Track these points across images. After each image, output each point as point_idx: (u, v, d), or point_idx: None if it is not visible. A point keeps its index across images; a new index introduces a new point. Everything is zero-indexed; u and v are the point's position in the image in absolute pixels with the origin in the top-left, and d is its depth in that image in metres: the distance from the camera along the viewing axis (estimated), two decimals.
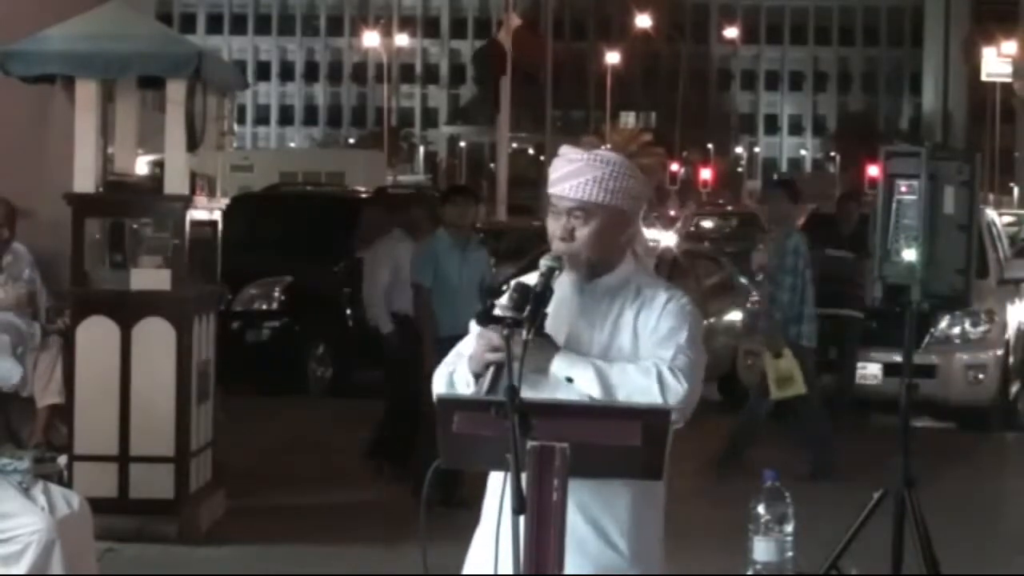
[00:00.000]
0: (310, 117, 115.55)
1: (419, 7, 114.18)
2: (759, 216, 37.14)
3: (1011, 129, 69.83)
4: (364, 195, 19.64)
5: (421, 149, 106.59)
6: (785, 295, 11.06)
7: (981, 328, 14.03)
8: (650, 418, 3.55)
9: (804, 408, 11.27)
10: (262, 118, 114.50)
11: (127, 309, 8.58)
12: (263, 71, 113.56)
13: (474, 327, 4.00)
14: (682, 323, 3.86)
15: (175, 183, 8.68)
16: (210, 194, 9.17)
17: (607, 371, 3.76)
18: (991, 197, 54.47)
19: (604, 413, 3.64)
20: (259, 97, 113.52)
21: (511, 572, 3.46)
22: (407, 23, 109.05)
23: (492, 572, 3.61)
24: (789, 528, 4.06)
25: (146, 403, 8.51)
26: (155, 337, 8.52)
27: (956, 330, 13.96)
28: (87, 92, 8.68)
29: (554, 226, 3.89)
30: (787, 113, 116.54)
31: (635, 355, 3.84)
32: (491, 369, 3.68)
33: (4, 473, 6.13)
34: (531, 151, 76.02)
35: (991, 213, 17.50)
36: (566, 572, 3.70)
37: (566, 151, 3.93)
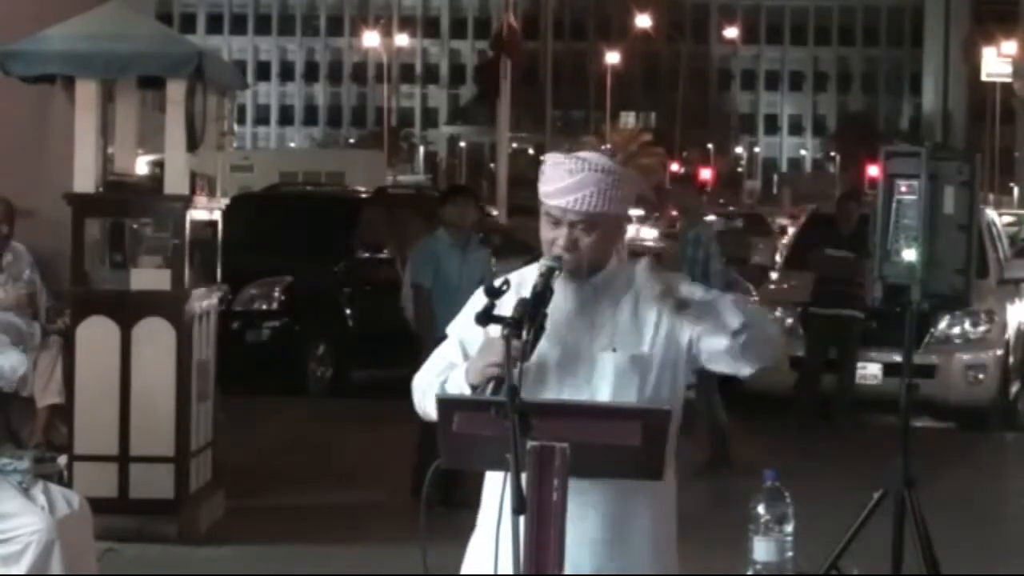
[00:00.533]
0: (310, 117, 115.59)
1: (419, 7, 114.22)
2: (763, 217, 37.23)
3: (1011, 129, 69.91)
4: (364, 195, 19.65)
5: (421, 149, 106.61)
6: None
7: (981, 328, 14.04)
8: (650, 418, 3.56)
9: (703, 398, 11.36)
10: (262, 118, 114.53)
11: (127, 309, 8.58)
12: (263, 71, 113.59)
13: (452, 330, 4.04)
14: (694, 286, 3.96)
15: (175, 183, 8.68)
16: (210, 194, 9.17)
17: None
18: (991, 197, 54.50)
19: (604, 413, 3.64)
20: (259, 97, 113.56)
21: (511, 572, 3.46)
22: (407, 23, 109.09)
23: (492, 572, 3.61)
24: (789, 528, 4.05)
25: (146, 403, 8.51)
26: (155, 337, 8.52)
27: (956, 330, 13.97)
28: (87, 92, 8.68)
29: (553, 235, 3.87)
30: (787, 113, 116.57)
31: (640, 341, 3.86)
32: (491, 384, 3.68)
33: (4, 473, 6.13)
34: (531, 151, 76.03)
35: (991, 213, 17.51)
36: (585, 574, 3.71)
37: (560, 160, 3.88)
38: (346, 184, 33.15)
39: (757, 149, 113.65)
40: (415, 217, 15.84)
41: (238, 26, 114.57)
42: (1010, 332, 14.49)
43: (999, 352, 14.14)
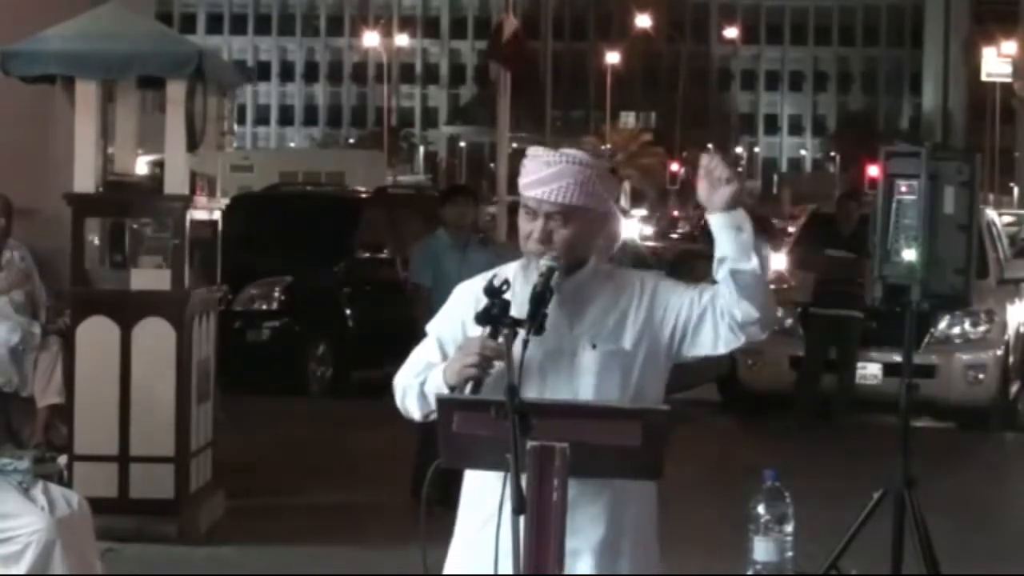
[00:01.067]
0: (310, 117, 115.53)
1: (419, 7, 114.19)
2: (767, 218, 37.23)
3: (1011, 129, 69.89)
4: (364, 195, 19.65)
5: (421, 149, 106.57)
6: None
7: (981, 328, 14.04)
8: (650, 418, 3.56)
9: None
10: (262, 118, 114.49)
11: (127, 309, 8.58)
12: (263, 71, 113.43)
13: (431, 328, 4.05)
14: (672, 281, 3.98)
15: (175, 183, 8.68)
16: (210, 194, 9.16)
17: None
18: (991, 197, 54.49)
19: (604, 413, 3.64)
20: (259, 97, 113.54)
21: (511, 572, 3.47)
22: (407, 23, 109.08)
23: (492, 572, 3.61)
24: (789, 528, 4.06)
25: (146, 403, 8.51)
26: (155, 337, 8.52)
27: (956, 330, 13.97)
28: (87, 92, 8.68)
29: (529, 227, 3.88)
30: (787, 113, 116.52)
31: (620, 336, 3.86)
32: (469, 384, 3.68)
33: (4, 473, 6.14)
34: None
35: (991, 213, 17.50)
36: (580, 573, 3.72)
37: (538, 152, 3.90)
38: (346, 184, 33.14)
39: (757, 149, 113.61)
40: (415, 217, 15.84)
41: (238, 26, 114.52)
42: (1010, 332, 14.49)
43: (999, 352, 14.14)
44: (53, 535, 5.99)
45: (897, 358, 10.59)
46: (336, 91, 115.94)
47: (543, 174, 3.85)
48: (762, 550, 4.04)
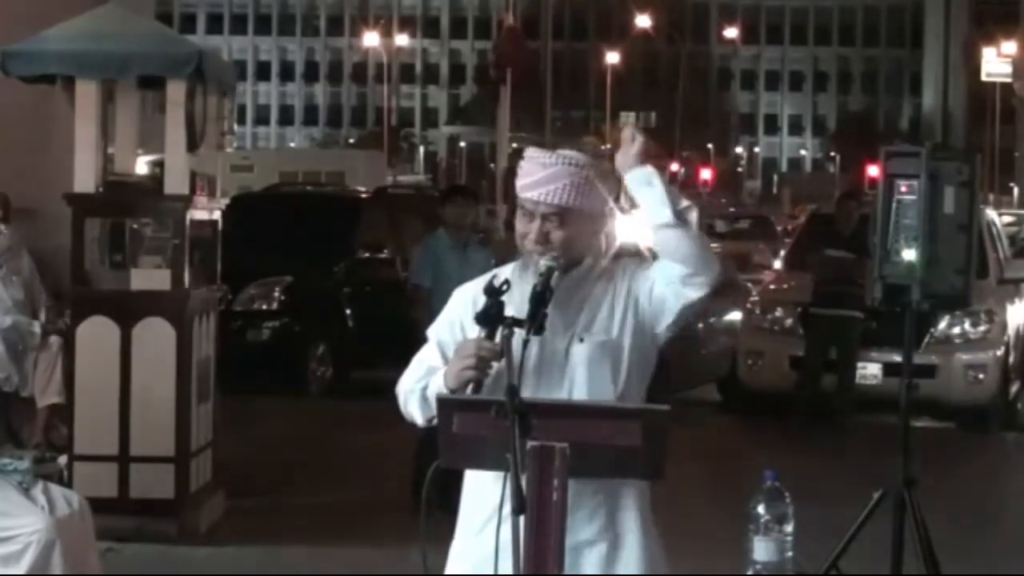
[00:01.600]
0: (310, 117, 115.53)
1: (419, 7, 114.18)
2: (768, 219, 37.22)
3: (1011, 129, 69.84)
4: (364, 195, 19.65)
5: (421, 149, 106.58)
6: None
7: (981, 328, 14.03)
8: (650, 418, 3.56)
9: None
10: (262, 118, 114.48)
11: (127, 309, 8.58)
12: (263, 71, 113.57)
13: (431, 332, 4.06)
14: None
15: (175, 183, 8.68)
16: (210, 194, 9.16)
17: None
18: (991, 197, 54.49)
19: (604, 413, 3.64)
20: (259, 97, 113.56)
21: (511, 572, 3.47)
22: (407, 23, 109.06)
23: (492, 572, 3.61)
24: (789, 528, 4.06)
25: (146, 403, 8.51)
26: (155, 337, 8.52)
27: (956, 330, 13.96)
28: (87, 92, 8.68)
29: (526, 228, 3.90)
30: (787, 113, 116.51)
31: (609, 327, 3.88)
32: (470, 386, 3.69)
33: (4, 473, 6.13)
34: None
35: (991, 213, 17.50)
36: (582, 573, 3.72)
37: (535, 154, 3.92)
38: (346, 184, 33.15)
39: (757, 149, 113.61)
40: (415, 217, 15.84)
41: (238, 26, 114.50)
42: (1010, 332, 14.48)
43: (999, 352, 14.14)
44: (53, 535, 5.99)
45: (897, 358, 10.58)
46: (336, 91, 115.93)
47: (539, 175, 3.87)
48: (762, 550, 4.05)
